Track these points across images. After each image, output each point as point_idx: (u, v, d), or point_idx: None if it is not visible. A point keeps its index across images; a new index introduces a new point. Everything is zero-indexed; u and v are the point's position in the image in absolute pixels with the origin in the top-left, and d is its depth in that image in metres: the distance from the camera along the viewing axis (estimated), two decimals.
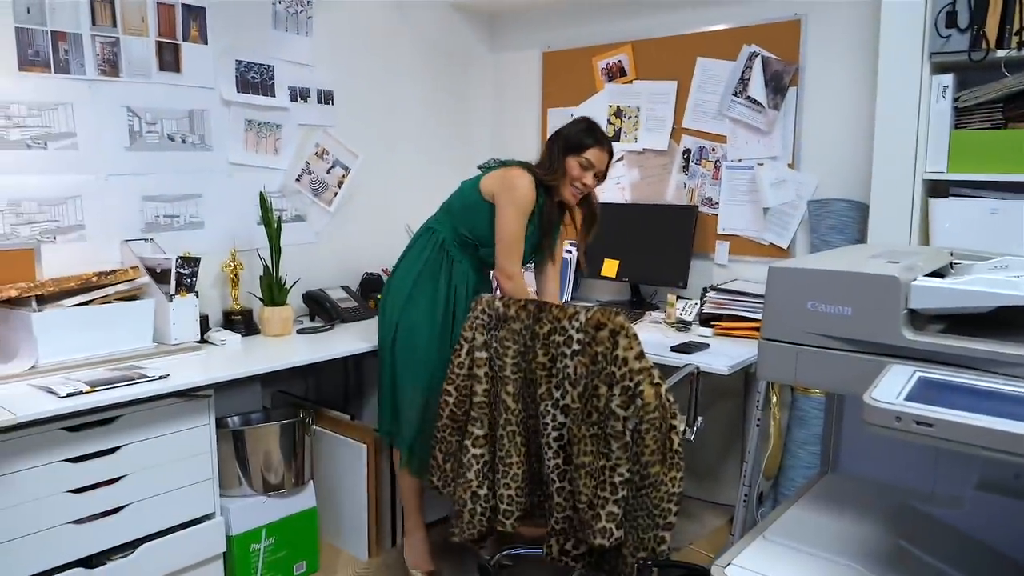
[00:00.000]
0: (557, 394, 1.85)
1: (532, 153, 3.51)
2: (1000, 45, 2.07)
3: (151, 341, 2.24)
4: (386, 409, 2.30)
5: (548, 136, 2.31)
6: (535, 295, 2.35)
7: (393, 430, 2.29)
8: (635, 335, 1.76)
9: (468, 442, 1.98)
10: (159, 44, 2.42)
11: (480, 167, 2.33)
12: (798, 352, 1.26)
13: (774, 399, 2.51)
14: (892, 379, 1.11)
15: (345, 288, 2.92)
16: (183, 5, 2.47)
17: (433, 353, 2.20)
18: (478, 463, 1.97)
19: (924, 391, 1.07)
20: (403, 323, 2.24)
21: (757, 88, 2.77)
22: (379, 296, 2.93)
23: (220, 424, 2.21)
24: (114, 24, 2.31)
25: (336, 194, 2.98)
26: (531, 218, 2.21)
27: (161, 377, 1.96)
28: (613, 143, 3.14)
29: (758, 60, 2.77)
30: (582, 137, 2.21)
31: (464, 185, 2.31)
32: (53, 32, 2.20)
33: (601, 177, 2.27)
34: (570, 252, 3.17)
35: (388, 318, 2.28)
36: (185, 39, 2.48)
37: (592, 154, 2.20)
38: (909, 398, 1.05)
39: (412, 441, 2.25)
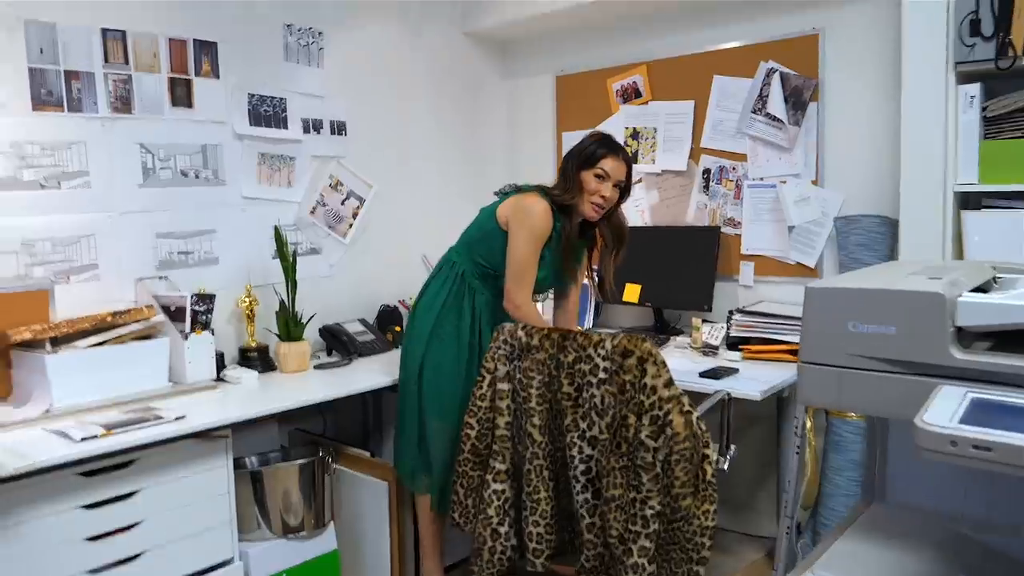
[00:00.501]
0: (584, 425, 1.81)
1: (548, 178, 3.52)
2: None
3: (167, 381, 2.23)
4: (409, 447, 2.27)
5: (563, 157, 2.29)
6: (548, 323, 2.31)
7: (416, 467, 2.26)
8: (663, 362, 1.74)
9: (489, 477, 1.96)
10: (171, 80, 2.44)
11: (496, 193, 2.32)
12: (840, 375, 1.23)
13: (808, 424, 2.45)
14: (943, 401, 1.08)
15: (362, 321, 2.91)
16: (195, 41, 2.49)
17: (460, 388, 2.17)
18: (499, 499, 1.94)
19: (979, 413, 1.03)
20: (429, 359, 2.23)
21: (776, 104, 2.75)
22: (397, 328, 2.96)
23: (238, 465, 2.19)
24: (126, 61, 2.34)
25: (351, 225, 2.98)
26: (548, 243, 2.19)
27: (178, 418, 1.94)
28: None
29: (776, 76, 2.75)
30: (594, 148, 2.18)
31: (482, 213, 2.29)
32: (66, 71, 2.22)
33: (624, 189, 2.23)
34: (591, 280, 3.14)
35: (412, 354, 2.26)
36: (197, 74, 2.50)
37: (607, 164, 2.17)
38: (964, 421, 1.02)
39: (443, 479, 2.21)
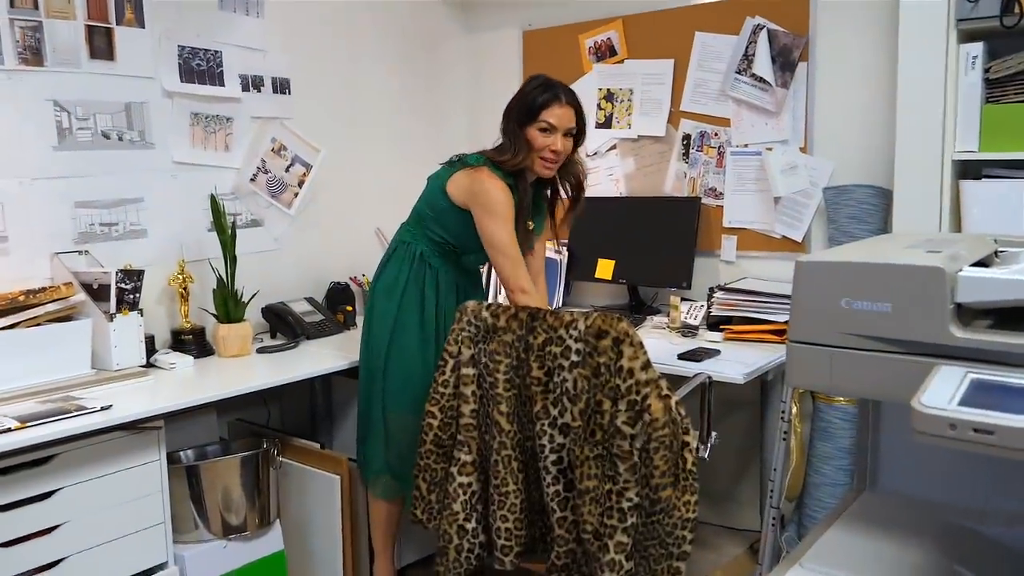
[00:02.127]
0: (555, 412, 1.82)
1: None
2: None
3: (89, 367, 2.19)
4: (378, 448, 2.27)
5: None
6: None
7: (387, 470, 2.27)
8: (640, 343, 1.75)
9: (454, 469, 1.96)
10: (89, 28, 2.37)
11: (446, 164, 2.29)
12: (832, 355, 1.24)
13: (794, 409, 2.49)
14: (942, 382, 1.09)
15: (310, 300, 2.89)
16: None
17: (431, 376, 2.16)
18: (465, 493, 1.95)
19: (979, 395, 1.05)
20: (394, 350, 2.23)
21: (763, 64, 2.76)
22: (348, 308, 2.95)
23: (172, 459, 2.17)
24: (35, 6, 2.26)
25: (297, 195, 2.94)
26: None
27: (103, 408, 1.91)
28: (604, 129, 3.18)
29: (763, 33, 2.76)
30: (533, 99, 2.13)
31: (429, 185, 2.27)
32: None
33: (577, 136, 2.19)
34: (559, 253, 3.14)
35: (375, 346, 2.26)
36: (119, 22, 2.43)
37: (551, 115, 2.12)
38: (963, 403, 1.03)
39: (404, 472, 2.22)
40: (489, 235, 2.13)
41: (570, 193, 2.31)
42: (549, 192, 2.33)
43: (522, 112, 2.14)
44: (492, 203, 2.12)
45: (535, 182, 2.25)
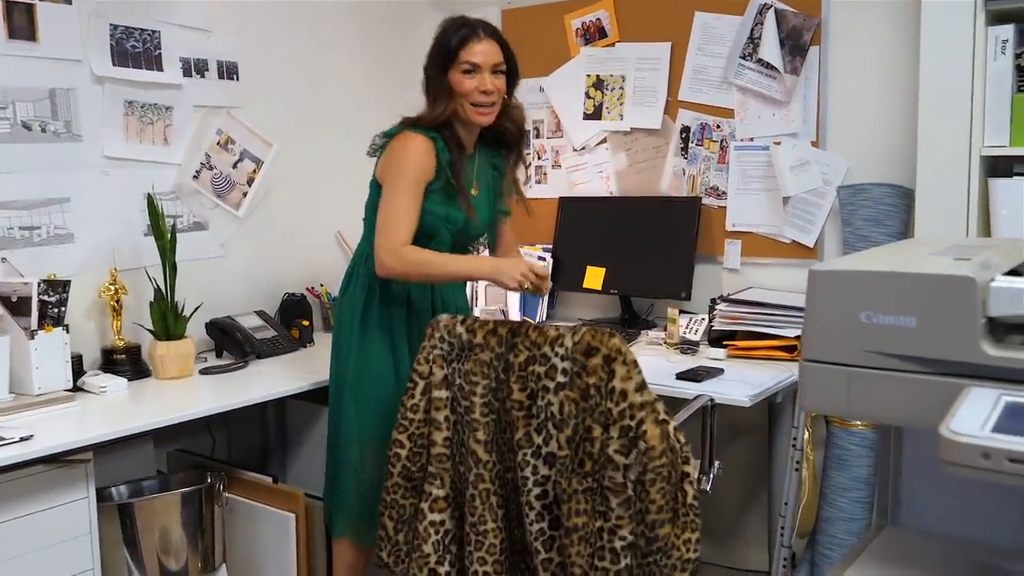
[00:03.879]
0: (539, 439, 1.82)
1: None
2: None
3: (7, 392, 2.17)
4: (347, 481, 2.26)
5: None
6: (437, 259, 2.19)
7: (361, 506, 2.25)
8: (635, 361, 1.75)
9: (425, 505, 1.95)
10: (7, 4, 2.35)
11: (370, 152, 2.29)
12: (850, 376, 1.25)
13: (806, 435, 2.50)
14: (973, 406, 1.10)
15: (260, 314, 2.89)
16: None
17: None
18: (437, 532, 1.94)
19: (1015, 420, 1.06)
20: (364, 378, 2.23)
21: (770, 48, 2.78)
22: (304, 323, 2.95)
23: (102, 497, 2.16)
24: None
25: (246, 194, 2.94)
26: (438, 182, 2.17)
27: (22, 439, 1.90)
28: (592, 121, 3.19)
29: (771, 13, 2.78)
30: (449, 39, 2.17)
31: (371, 183, 2.29)
32: None
33: (509, 76, 2.21)
34: (543, 260, 3.14)
35: (341, 373, 2.27)
36: None
37: (471, 53, 2.15)
38: (997, 429, 1.04)
39: (367, 508, 2.21)
40: (384, 199, 2.14)
41: (512, 143, 2.31)
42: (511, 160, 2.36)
43: (440, 57, 2.18)
44: (400, 163, 2.14)
45: (488, 158, 2.28)
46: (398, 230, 2.11)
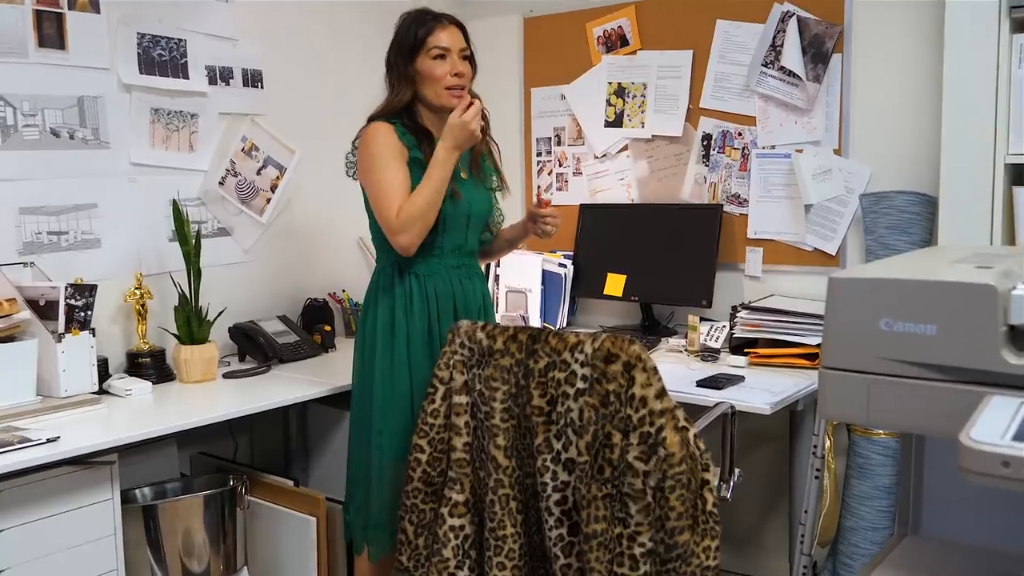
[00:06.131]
0: (558, 445, 1.82)
1: (514, 143, 3.48)
2: None
3: (34, 394, 2.20)
4: (384, 505, 2.21)
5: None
6: (419, 191, 2.16)
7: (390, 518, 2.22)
8: (654, 368, 1.75)
9: (445, 510, 1.96)
10: (37, 14, 2.39)
11: (348, 171, 2.36)
12: (870, 383, 1.24)
13: (828, 443, 2.50)
14: (993, 414, 1.09)
15: (283, 319, 2.90)
16: None
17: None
18: (457, 537, 1.95)
19: None
20: (396, 399, 2.20)
21: (793, 56, 2.78)
22: (327, 328, 2.95)
23: (126, 498, 2.17)
24: None
25: (269, 201, 2.96)
26: (415, 157, 2.20)
27: (49, 440, 1.91)
28: (614, 128, 3.19)
29: (793, 21, 2.78)
30: (414, 30, 2.21)
31: (364, 203, 2.31)
32: None
33: (471, 58, 2.27)
34: (564, 267, 3.15)
35: (365, 385, 2.25)
36: (71, 7, 2.45)
37: (438, 38, 2.20)
38: (1018, 437, 1.03)
39: (388, 515, 2.19)
40: (368, 185, 2.18)
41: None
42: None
43: (406, 48, 2.22)
44: (368, 148, 2.18)
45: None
46: (390, 200, 2.14)
